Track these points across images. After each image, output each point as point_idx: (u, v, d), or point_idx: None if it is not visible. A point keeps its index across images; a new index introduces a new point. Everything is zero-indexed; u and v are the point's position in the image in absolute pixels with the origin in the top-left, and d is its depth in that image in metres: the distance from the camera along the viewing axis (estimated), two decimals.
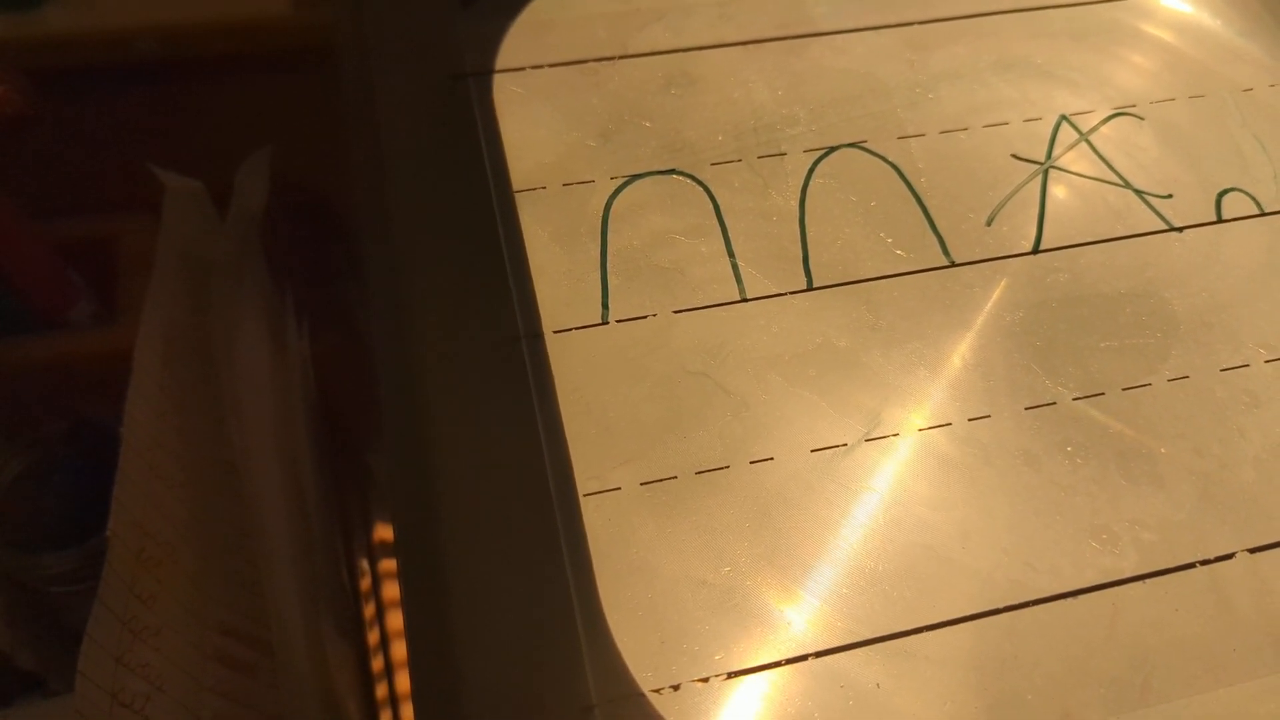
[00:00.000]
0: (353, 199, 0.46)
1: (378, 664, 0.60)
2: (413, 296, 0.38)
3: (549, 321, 0.37)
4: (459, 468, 0.35)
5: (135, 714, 0.36)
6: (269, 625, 0.42)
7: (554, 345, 0.37)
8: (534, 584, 0.33)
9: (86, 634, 0.34)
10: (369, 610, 0.62)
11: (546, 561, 0.33)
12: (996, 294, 0.40)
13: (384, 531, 0.62)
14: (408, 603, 0.34)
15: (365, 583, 0.63)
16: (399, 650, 0.58)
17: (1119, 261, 0.42)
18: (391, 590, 0.60)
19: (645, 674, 0.31)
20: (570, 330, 0.37)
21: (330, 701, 0.45)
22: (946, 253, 0.41)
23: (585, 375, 0.37)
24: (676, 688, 0.31)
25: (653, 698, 0.31)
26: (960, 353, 0.39)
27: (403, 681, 0.58)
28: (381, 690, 0.59)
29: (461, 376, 0.36)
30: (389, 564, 0.61)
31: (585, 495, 0.34)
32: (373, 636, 0.61)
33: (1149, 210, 0.43)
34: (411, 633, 0.34)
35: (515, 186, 0.40)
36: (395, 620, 0.59)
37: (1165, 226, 0.43)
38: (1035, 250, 0.42)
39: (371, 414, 0.55)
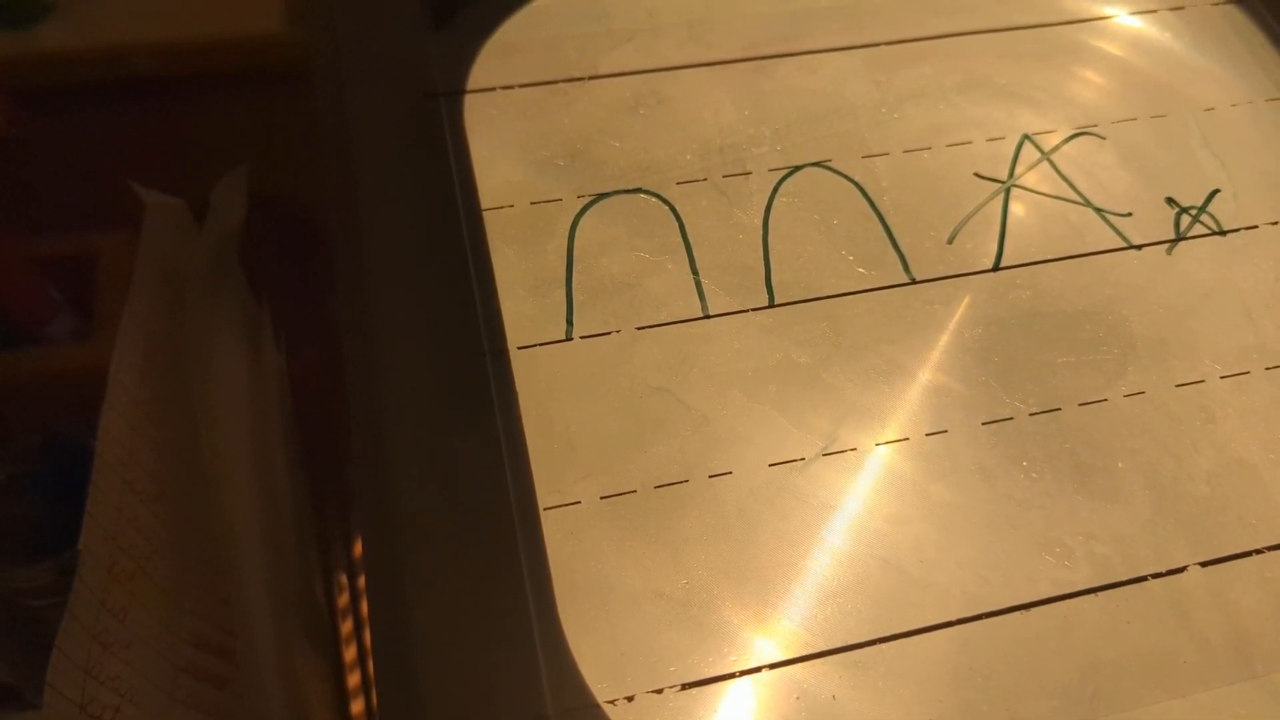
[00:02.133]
0: (326, 214, 0.46)
1: (354, 679, 0.60)
2: (380, 310, 0.39)
3: (514, 337, 0.38)
4: (421, 480, 0.35)
5: None
6: (237, 643, 0.42)
7: (518, 361, 0.38)
8: (493, 596, 0.33)
9: (56, 646, 0.34)
10: (347, 626, 0.62)
11: (505, 574, 0.34)
12: (958, 311, 0.41)
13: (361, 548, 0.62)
14: (373, 614, 0.35)
15: (344, 599, 0.64)
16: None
17: (1079, 279, 0.43)
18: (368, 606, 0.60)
19: (601, 685, 0.32)
20: (534, 346, 0.38)
21: (298, 714, 0.45)
22: (908, 270, 0.42)
23: (548, 390, 0.37)
24: (631, 699, 0.32)
25: (608, 709, 0.32)
26: (920, 369, 0.39)
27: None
28: (359, 706, 0.60)
29: (426, 390, 0.37)
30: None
31: (546, 509, 0.35)
32: (350, 652, 0.61)
33: (1109, 228, 0.44)
34: (376, 644, 0.34)
35: (484, 204, 0.41)
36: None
37: (1124, 244, 0.44)
38: (996, 268, 0.42)
39: (349, 425, 0.55)
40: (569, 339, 0.38)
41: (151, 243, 0.48)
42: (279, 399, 0.52)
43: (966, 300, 0.41)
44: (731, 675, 0.33)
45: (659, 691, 0.32)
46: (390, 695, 0.33)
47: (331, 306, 0.59)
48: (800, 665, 0.33)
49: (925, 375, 0.39)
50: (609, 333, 0.39)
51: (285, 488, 0.51)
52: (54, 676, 0.34)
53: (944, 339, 0.40)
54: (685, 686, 0.32)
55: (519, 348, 0.38)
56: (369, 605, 0.36)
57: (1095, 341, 0.41)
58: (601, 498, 0.35)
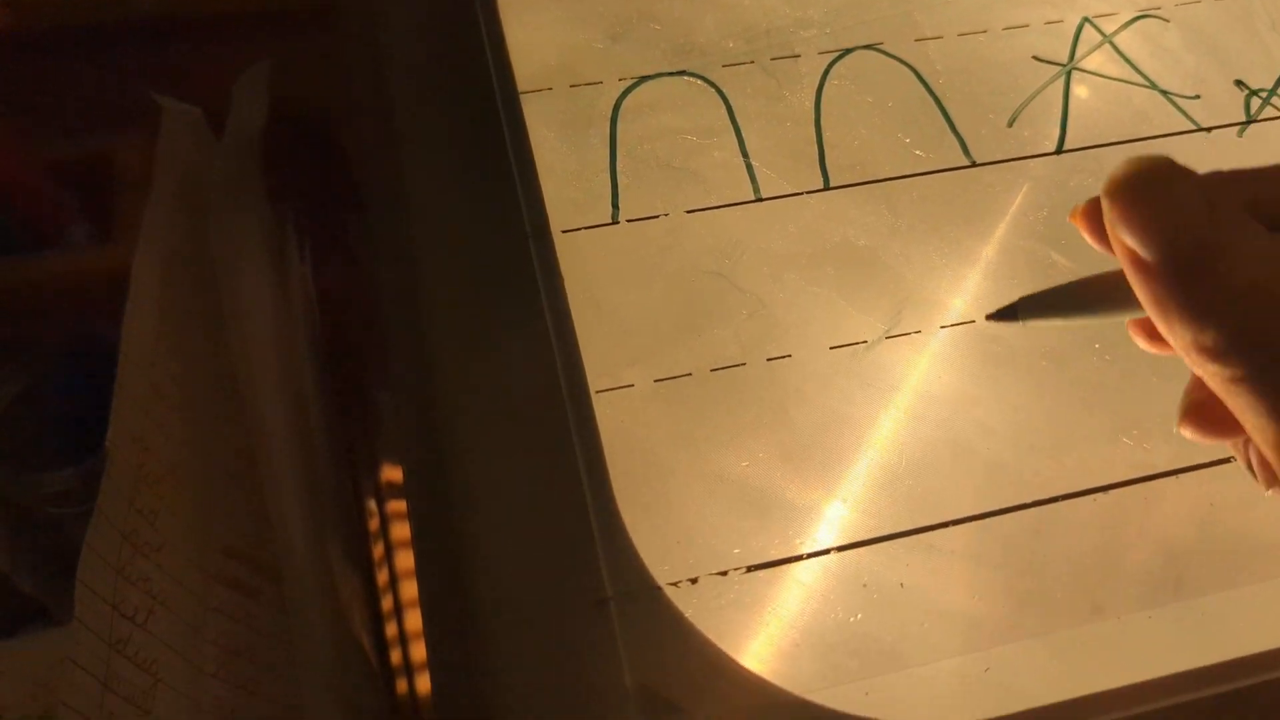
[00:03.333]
0: (353, 109, 0.44)
1: (387, 603, 0.59)
2: (416, 199, 0.37)
3: (556, 221, 0.36)
4: (466, 367, 0.33)
5: (137, 626, 0.35)
6: (274, 550, 0.41)
7: (562, 245, 0.36)
8: (546, 481, 0.32)
9: (85, 543, 0.33)
10: (378, 550, 0.61)
11: (557, 459, 0.32)
12: (1019, 194, 0.39)
13: (392, 473, 0.61)
14: (413, 501, 0.33)
15: (374, 524, 0.62)
16: (408, 590, 0.57)
17: None
18: (400, 531, 0.59)
19: (661, 568, 0.30)
20: (579, 230, 0.36)
21: (339, 625, 0.44)
22: (967, 153, 0.40)
23: (595, 274, 0.35)
24: (695, 581, 0.30)
25: (669, 591, 0.30)
26: (983, 252, 0.37)
27: (412, 620, 0.57)
28: (391, 629, 0.59)
29: (467, 275, 0.35)
30: (397, 505, 0.60)
31: (597, 392, 0.33)
32: (382, 576, 0.60)
33: (1176, 111, 0.42)
34: (418, 532, 0.33)
35: (520, 88, 0.39)
36: (404, 560, 0.58)
37: (1193, 127, 0.41)
38: (1059, 151, 0.40)
39: (377, 347, 0.54)
40: (615, 222, 0.36)
41: (169, 149, 0.46)
42: (305, 310, 0.50)
43: (1027, 183, 0.39)
44: (798, 558, 0.31)
45: (723, 574, 0.30)
46: (437, 589, 0.32)
47: (355, 221, 0.57)
48: (868, 549, 0.32)
49: (989, 258, 0.37)
50: (657, 216, 0.37)
51: (316, 402, 0.49)
52: (84, 573, 0.33)
53: (1006, 222, 0.38)
54: (751, 569, 0.31)
55: (563, 231, 0.36)
56: (409, 495, 0.34)
57: None
58: (655, 381, 0.33)
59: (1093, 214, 0.23)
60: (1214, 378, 0.20)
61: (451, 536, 0.31)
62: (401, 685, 0.55)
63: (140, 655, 0.35)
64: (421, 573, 0.32)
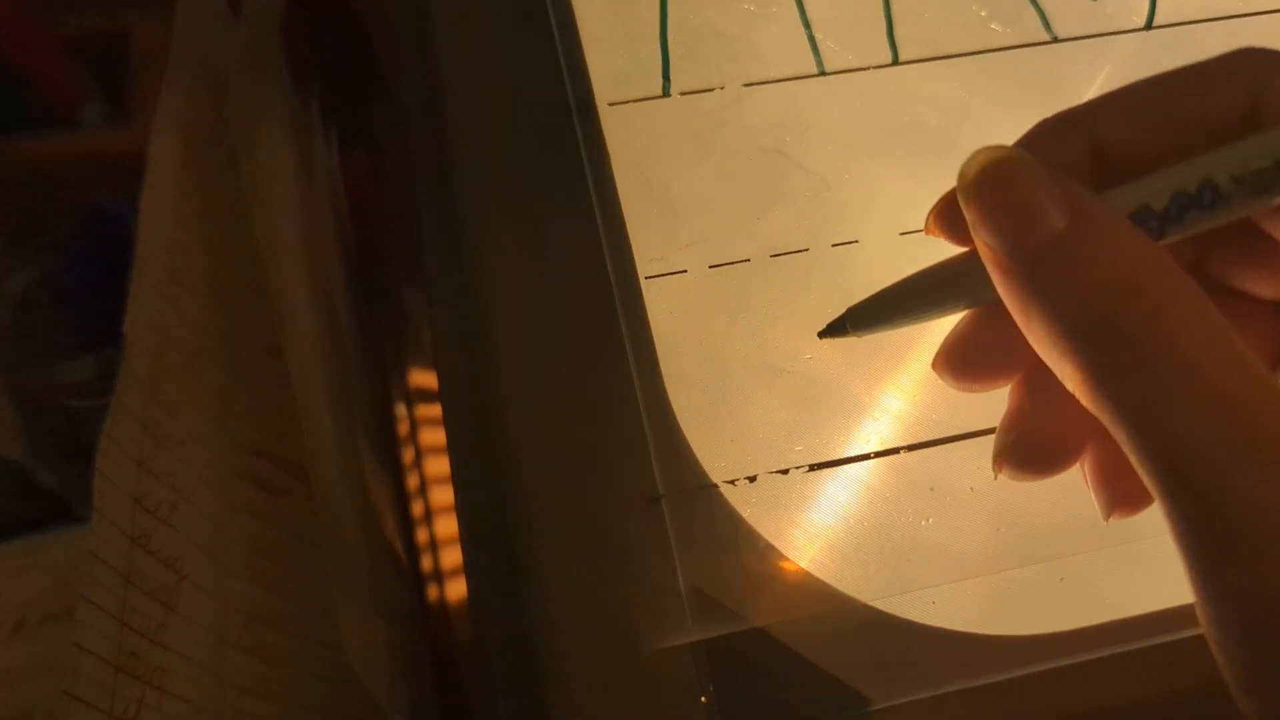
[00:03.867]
0: None
1: (418, 509, 0.58)
2: (449, 74, 0.34)
3: (603, 94, 0.33)
4: (506, 255, 0.31)
5: (160, 521, 0.33)
6: (302, 449, 0.39)
7: (609, 118, 0.33)
8: (593, 372, 0.29)
9: (104, 432, 0.31)
10: (408, 455, 0.59)
11: (605, 348, 0.30)
12: (1103, 73, 0.36)
13: (421, 376, 0.59)
14: (449, 400, 0.31)
15: (403, 428, 0.61)
16: (439, 496, 0.55)
17: (1240, 42, 0.37)
18: (431, 436, 0.57)
19: (717, 466, 0.28)
20: (627, 103, 0.33)
21: (370, 526, 0.43)
22: (1048, 27, 0.36)
23: (644, 151, 0.33)
24: (753, 479, 0.28)
25: (726, 489, 0.28)
26: None
27: (444, 527, 0.56)
28: (423, 535, 0.57)
29: (506, 152, 0.32)
30: (427, 409, 0.58)
31: (647, 278, 0.31)
32: (412, 481, 0.59)
33: None
34: (453, 430, 0.31)
35: None
36: (435, 466, 0.56)
37: None
38: (1148, 26, 0.37)
39: (406, 241, 0.51)
40: (666, 95, 0.34)
41: (187, 27, 0.43)
42: (332, 198, 0.48)
43: (1113, 63, 0.36)
44: (864, 457, 0.29)
45: (784, 472, 0.28)
46: (475, 491, 0.30)
47: (380, 110, 0.54)
48: (937, 449, 0.29)
49: None
50: (712, 89, 0.34)
51: (343, 295, 0.47)
52: (104, 463, 0.31)
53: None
54: (813, 468, 0.28)
55: (610, 104, 0.33)
56: (444, 394, 0.32)
57: None
58: (710, 267, 0.31)
59: (944, 217, 0.23)
60: (1073, 380, 0.19)
61: (491, 436, 0.29)
62: (433, 592, 0.54)
63: (164, 551, 0.34)
64: (458, 473, 0.30)
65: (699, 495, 0.28)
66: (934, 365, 0.24)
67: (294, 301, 0.41)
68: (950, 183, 0.32)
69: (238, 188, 0.42)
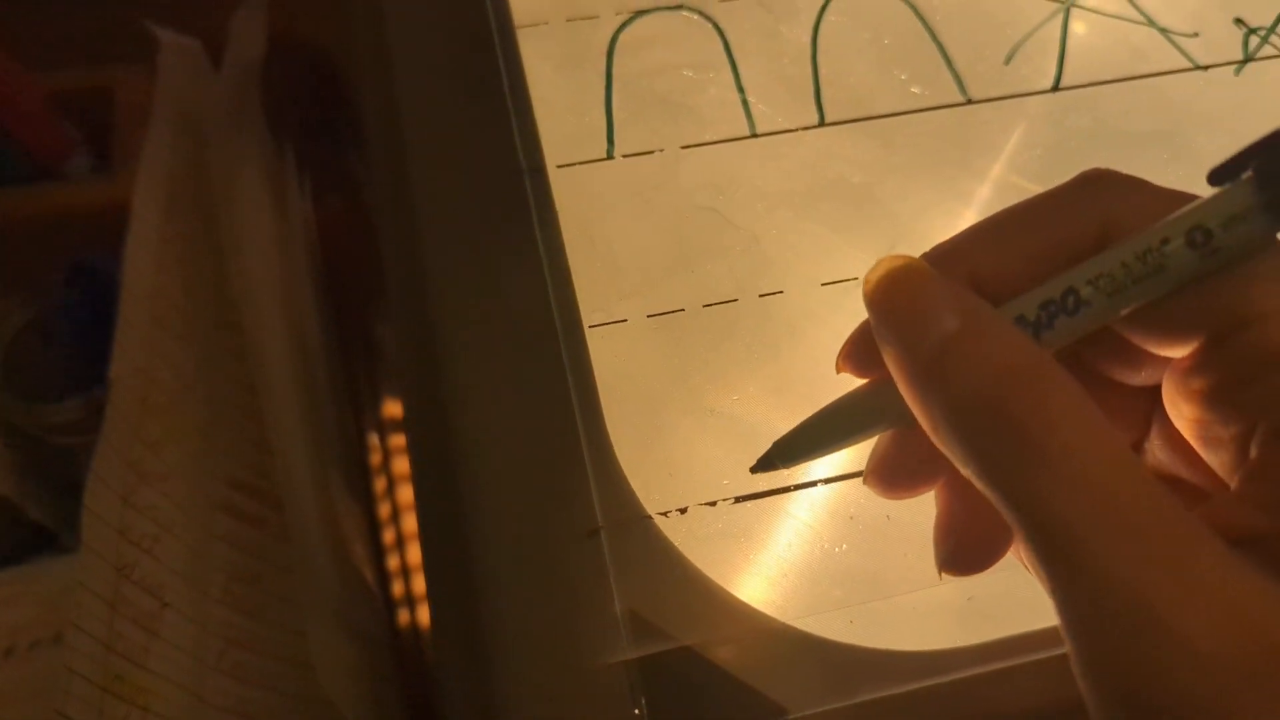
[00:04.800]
0: (350, 43, 0.44)
1: (389, 536, 0.60)
2: (412, 133, 0.37)
3: (552, 156, 0.36)
4: (463, 301, 0.34)
5: (144, 553, 0.36)
6: (277, 481, 0.42)
7: (557, 179, 0.36)
8: (540, 414, 0.32)
9: (91, 471, 0.34)
10: (380, 484, 0.62)
11: (551, 391, 0.32)
12: (1016, 132, 0.39)
13: (393, 408, 0.62)
14: (412, 434, 0.34)
15: (376, 458, 0.63)
16: (410, 523, 0.58)
17: (1142, 101, 0.41)
18: (402, 465, 0.60)
19: (652, 498, 0.31)
20: (574, 165, 0.36)
21: (341, 554, 0.45)
22: (963, 90, 0.40)
23: (590, 209, 0.36)
24: (684, 511, 0.31)
25: (659, 520, 0.31)
26: (977, 190, 0.38)
27: (414, 554, 0.58)
28: (394, 562, 0.60)
29: (463, 210, 0.35)
30: (399, 440, 0.61)
31: (591, 327, 0.34)
32: (384, 510, 0.61)
33: (1174, 49, 0.42)
34: (416, 464, 0.33)
35: (517, 21, 0.39)
36: (406, 494, 0.59)
37: (1190, 65, 0.41)
38: (1055, 88, 0.40)
39: (377, 282, 0.54)
40: (610, 157, 0.37)
41: (168, 81, 0.46)
42: (306, 243, 0.51)
43: (1024, 121, 0.39)
44: (786, 489, 0.32)
45: (712, 504, 0.31)
46: (434, 521, 0.32)
47: (354, 156, 0.57)
48: (855, 482, 0.32)
49: (984, 196, 0.37)
50: (652, 152, 0.37)
51: (317, 334, 0.50)
52: (91, 500, 0.34)
53: (1002, 161, 0.38)
54: (739, 500, 0.31)
55: (558, 166, 0.36)
56: (408, 428, 0.35)
57: (1160, 165, 0.39)
58: (648, 316, 0.34)
59: (850, 356, 0.25)
60: (968, 470, 0.20)
61: (449, 469, 0.32)
62: (404, 617, 0.57)
63: (147, 580, 0.36)
64: (420, 505, 0.33)
65: (635, 526, 0.31)
66: (865, 480, 0.26)
67: (269, 341, 0.44)
68: (870, 234, 0.36)
69: (217, 233, 0.44)
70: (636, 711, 0.28)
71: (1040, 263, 0.22)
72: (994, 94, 0.40)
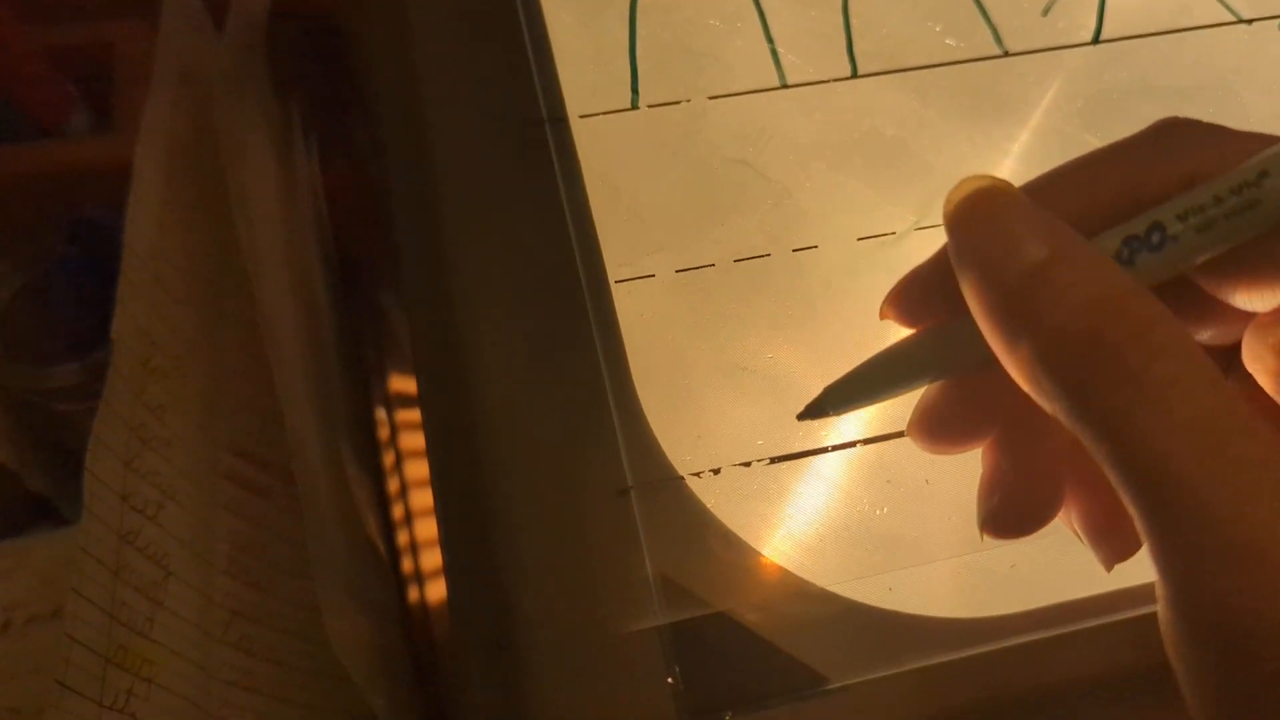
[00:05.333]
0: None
1: (398, 512, 0.59)
2: (427, 87, 0.35)
3: (574, 106, 0.35)
4: (482, 260, 0.32)
5: (147, 520, 0.34)
6: (285, 449, 0.40)
7: (580, 130, 0.34)
8: (565, 372, 0.31)
9: (93, 433, 0.32)
10: (388, 459, 0.60)
11: (577, 349, 0.31)
12: (1053, 87, 0.38)
13: (401, 382, 0.60)
14: (427, 400, 0.33)
15: (384, 432, 0.62)
16: (419, 499, 0.56)
17: (1183, 55, 0.39)
18: (410, 440, 0.58)
19: (684, 458, 0.30)
20: (597, 115, 0.35)
21: (352, 525, 0.44)
22: (1000, 42, 0.38)
23: (614, 161, 0.34)
24: (717, 472, 0.30)
25: (691, 481, 0.29)
26: (1014, 144, 0.36)
27: (423, 529, 0.57)
28: (403, 538, 0.58)
29: (482, 162, 0.34)
30: (407, 414, 0.59)
31: (616, 283, 0.32)
32: (393, 485, 0.60)
33: (1216, 2, 0.40)
34: (432, 425, 0.32)
35: None
36: (415, 469, 0.57)
37: (1234, 19, 0.40)
38: (1095, 41, 0.39)
39: (384, 249, 0.53)
40: (635, 108, 0.35)
41: (170, 39, 0.44)
42: (313, 207, 0.49)
43: (1061, 75, 0.38)
44: (823, 450, 0.30)
45: (747, 465, 0.30)
46: (453, 488, 0.31)
47: (360, 122, 0.56)
48: (893, 443, 0.31)
49: (1022, 148, 0.36)
50: (679, 102, 0.35)
51: (324, 302, 0.48)
52: (93, 463, 0.32)
53: (1039, 114, 0.37)
54: (774, 460, 0.30)
55: (581, 116, 0.35)
56: (423, 394, 0.33)
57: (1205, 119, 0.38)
58: (677, 271, 0.32)
59: (896, 304, 0.24)
60: (1055, 401, 0.19)
61: (468, 434, 0.31)
62: (414, 593, 0.55)
63: (151, 548, 0.35)
64: (437, 469, 0.31)
65: (666, 487, 0.29)
66: (908, 430, 0.24)
67: (277, 307, 0.42)
68: (906, 188, 0.34)
69: (221, 196, 0.43)
70: (669, 680, 0.27)
71: (1121, 211, 0.21)
72: (1031, 47, 0.38)
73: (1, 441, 0.43)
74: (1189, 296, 0.22)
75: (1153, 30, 0.39)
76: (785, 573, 0.29)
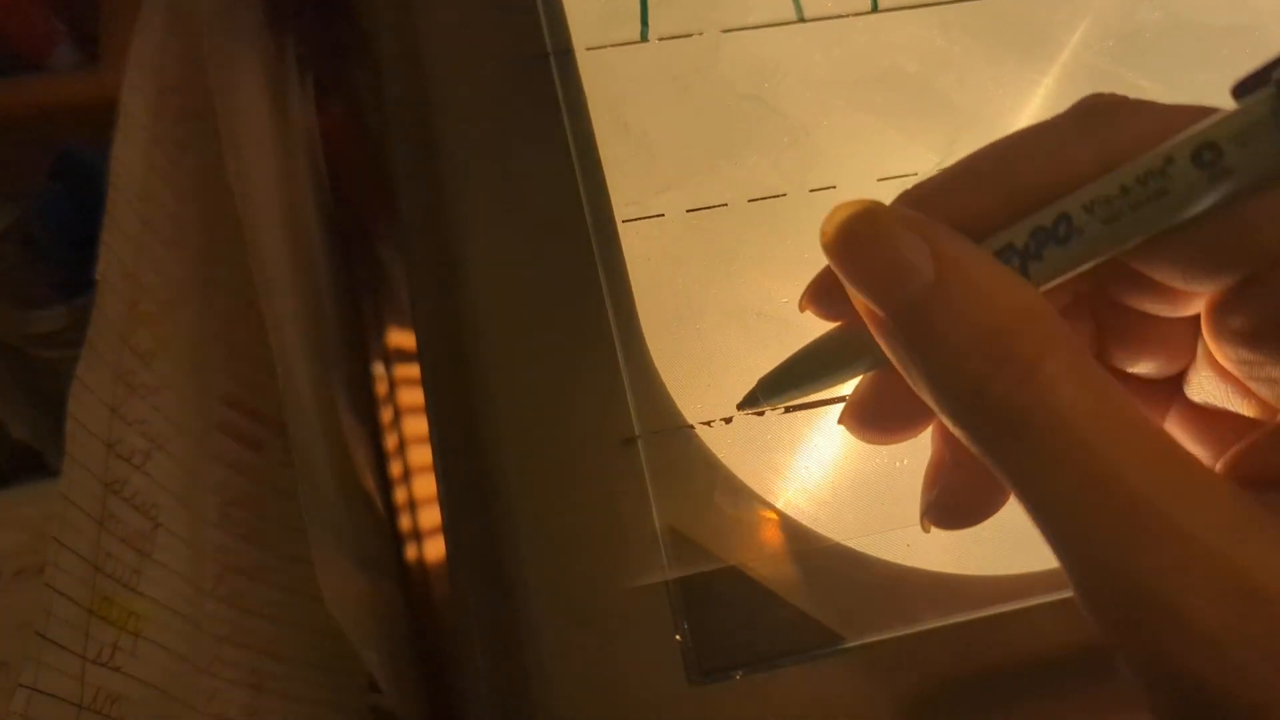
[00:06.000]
0: None
1: (396, 469, 0.58)
2: (425, 15, 0.34)
3: (580, 38, 0.33)
4: (484, 198, 0.31)
5: (135, 469, 0.33)
6: (277, 401, 0.39)
7: (586, 63, 0.33)
8: (569, 316, 0.29)
9: (76, 377, 0.31)
10: (386, 415, 0.59)
11: (582, 291, 0.29)
12: (1082, 25, 0.36)
13: (399, 338, 0.59)
14: (426, 349, 0.31)
15: (381, 388, 0.60)
16: (417, 456, 0.55)
17: None
18: (408, 396, 0.57)
19: (694, 406, 0.28)
20: (605, 48, 0.33)
21: (346, 477, 0.43)
22: None
23: (622, 96, 0.32)
24: (729, 421, 0.28)
25: (701, 430, 0.28)
26: (1041, 82, 0.34)
27: (421, 486, 0.56)
28: (401, 495, 0.57)
29: (482, 97, 0.32)
30: (405, 370, 0.58)
31: (624, 222, 0.31)
32: (391, 441, 0.59)
33: None
34: (431, 372, 0.30)
35: None
36: (413, 426, 0.56)
37: None
38: None
39: (381, 195, 0.51)
40: (644, 40, 0.33)
41: None
42: (308, 151, 0.48)
43: (1092, 14, 0.36)
44: (841, 399, 0.29)
45: (760, 414, 0.28)
46: (453, 441, 0.29)
47: (355, 58, 0.54)
48: None
49: (1050, 88, 0.34)
50: (690, 35, 0.34)
51: (320, 247, 0.47)
52: (76, 409, 0.31)
53: (1067, 52, 0.35)
54: (789, 410, 0.28)
55: (587, 49, 0.33)
56: (422, 342, 0.32)
57: (1238, 63, 0.36)
58: (688, 211, 0.31)
59: (815, 296, 0.23)
60: (959, 437, 0.19)
61: (468, 386, 0.29)
62: (411, 551, 0.54)
63: (138, 498, 0.33)
64: (436, 417, 0.30)
65: (675, 436, 0.28)
66: (840, 420, 0.23)
67: (270, 254, 0.41)
68: (928, 126, 0.33)
69: (212, 137, 0.41)
70: (678, 637, 0.26)
71: (1045, 198, 0.19)
72: None
73: None
74: (1137, 276, 0.20)
75: None
76: (799, 526, 0.28)
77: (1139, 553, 0.16)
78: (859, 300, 0.20)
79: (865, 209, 0.19)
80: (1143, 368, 0.22)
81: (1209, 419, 0.21)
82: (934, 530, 0.25)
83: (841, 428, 0.28)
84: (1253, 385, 0.19)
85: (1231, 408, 0.21)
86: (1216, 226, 0.18)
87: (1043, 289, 0.19)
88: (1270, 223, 0.17)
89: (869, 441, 0.23)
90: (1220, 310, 0.19)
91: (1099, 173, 0.19)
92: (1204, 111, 0.18)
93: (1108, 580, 0.16)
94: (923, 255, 0.18)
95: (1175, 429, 0.22)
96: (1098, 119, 0.20)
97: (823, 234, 0.20)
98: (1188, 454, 0.17)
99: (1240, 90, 0.18)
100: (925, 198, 0.20)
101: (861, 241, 0.19)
